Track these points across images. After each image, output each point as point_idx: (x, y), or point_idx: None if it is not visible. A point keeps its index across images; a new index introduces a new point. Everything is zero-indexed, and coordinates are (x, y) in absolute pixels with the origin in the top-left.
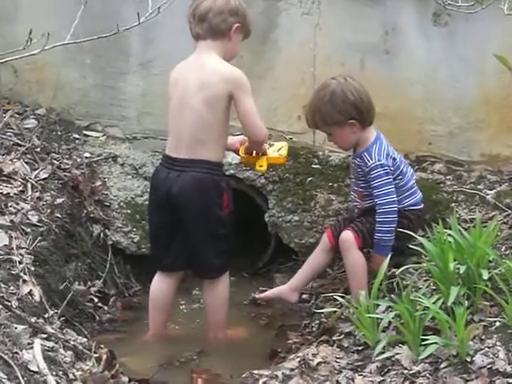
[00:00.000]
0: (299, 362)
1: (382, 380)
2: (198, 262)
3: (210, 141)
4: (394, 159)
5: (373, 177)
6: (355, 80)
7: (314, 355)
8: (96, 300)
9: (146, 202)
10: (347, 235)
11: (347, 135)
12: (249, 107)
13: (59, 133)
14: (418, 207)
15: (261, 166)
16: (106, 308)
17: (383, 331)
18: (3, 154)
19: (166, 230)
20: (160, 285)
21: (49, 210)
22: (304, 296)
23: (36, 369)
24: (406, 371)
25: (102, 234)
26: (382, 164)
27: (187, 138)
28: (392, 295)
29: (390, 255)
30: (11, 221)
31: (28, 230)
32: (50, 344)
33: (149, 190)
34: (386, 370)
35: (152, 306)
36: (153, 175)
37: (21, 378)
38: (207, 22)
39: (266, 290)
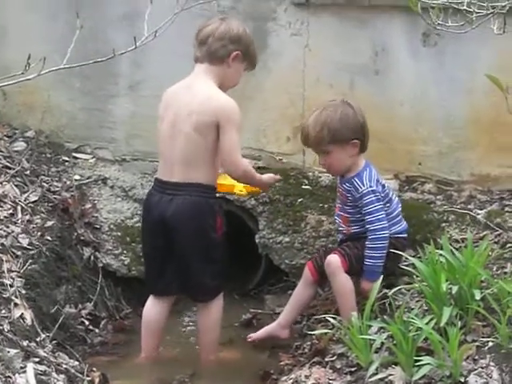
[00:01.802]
0: (292, 383)
1: None
2: (192, 285)
3: (203, 164)
4: (384, 186)
5: (365, 203)
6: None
7: (307, 377)
8: (87, 323)
9: (137, 225)
10: (334, 259)
11: (344, 157)
12: (233, 141)
13: (48, 155)
14: (404, 235)
15: (240, 191)
16: (97, 331)
17: (376, 352)
18: None
19: (160, 254)
20: (153, 308)
21: (39, 233)
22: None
23: None
24: None
25: (92, 257)
26: (373, 190)
27: (179, 161)
28: (384, 316)
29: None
30: (1, 244)
31: (19, 253)
32: (43, 368)
33: (141, 214)
34: None
35: (145, 330)
36: (145, 199)
37: None
38: (207, 45)
39: (256, 313)
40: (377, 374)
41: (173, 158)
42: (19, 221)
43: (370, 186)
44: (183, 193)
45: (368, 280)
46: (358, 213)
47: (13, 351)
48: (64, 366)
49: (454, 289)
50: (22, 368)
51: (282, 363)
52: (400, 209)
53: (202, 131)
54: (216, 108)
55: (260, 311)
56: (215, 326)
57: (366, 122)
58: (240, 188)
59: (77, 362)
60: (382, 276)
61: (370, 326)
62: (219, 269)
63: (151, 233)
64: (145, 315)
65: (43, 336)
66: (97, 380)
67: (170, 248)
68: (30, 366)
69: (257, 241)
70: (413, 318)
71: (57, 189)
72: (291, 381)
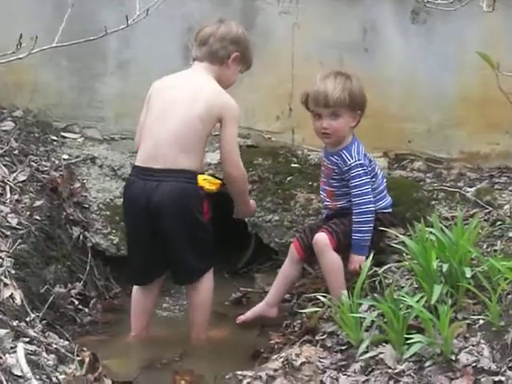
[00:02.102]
0: (282, 362)
1: (367, 379)
2: (179, 269)
3: (193, 150)
4: (370, 160)
5: (352, 175)
6: None
7: (298, 355)
8: (77, 302)
9: None
10: (321, 237)
11: (347, 124)
12: (234, 136)
13: (37, 135)
14: (389, 210)
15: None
16: (86, 310)
17: (366, 330)
18: None
19: (144, 241)
20: (140, 290)
21: (28, 213)
22: (286, 296)
23: (20, 373)
24: (390, 370)
25: (81, 236)
26: (361, 163)
27: (169, 145)
28: (375, 294)
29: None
30: None
31: (8, 232)
32: (33, 347)
33: (122, 204)
34: (370, 369)
35: (134, 309)
36: (125, 188)
37: (5, 382)
38: (207, 46)
39: (246, 291)
40: (367, 352)
41: (161, 143)
42: (8, 200)
43: (358, 159)
44: (169, 179)
45: (357, 254)
46: (344, 186)
47: (3, 331)
48: (54, 345)
49: (445, 267)
50: (12, 348)
51: (272, 342)
52: (385, 184)
53: (205, 119)
54: (224, 103)
55: (250, 290)
56: (205, 305)
57: None
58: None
59: (67, 342)
60: (370, 251)
61: (361, 304)
62: (207, 252)
63: (135, 220)
64: (133, 296)
65: (33, 316)
66: (87, 359)
67: (155, 236)
68: (21, 346)
69: (246, 219)
70: (403, 296)
71: (45, 168)
72: (281, 359)
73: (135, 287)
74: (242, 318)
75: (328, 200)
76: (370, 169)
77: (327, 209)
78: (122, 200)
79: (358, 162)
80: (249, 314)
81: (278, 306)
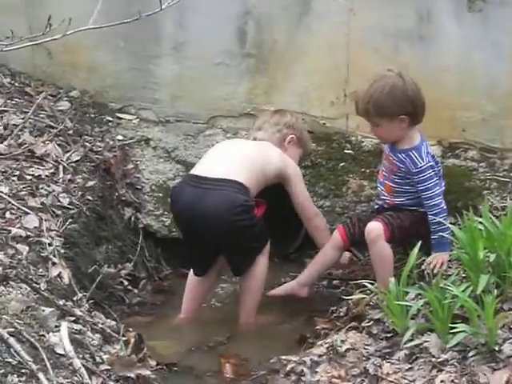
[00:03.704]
0: (327, 348)
1: (410, 367)
2: (235, 264)
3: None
4: (437, 162)
5: (423, 178)
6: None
7: (343, 341)
8: (126, 283)
9: None
10: (376, 226)
11: (394, 130)
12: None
13: (92, 115)
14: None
15: None
16: (135, 291)
17: (412, 318)
18: (36, 136)
19: (200, 242)
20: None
21: (80, 193)
22: (334, 282)
23: (62, 352)
24: (433, 359)
25: (133, 217)
26: (431, 165)
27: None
28: (422, 283)
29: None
30: (42, 203)
31: (59, 212)
32: (78, 327)
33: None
34: (414, 357)
35: (187, 293)
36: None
37: (46, 360)
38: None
39: (296, 276)
40: (412, 340)
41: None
42: (60, 180)
43: (429, 162)
44: (222, 188)
45: (441, 252)
46: (407, 184)
47: (47, 310)
48: (100, 325)
49: (492, 257)
50: (56, 327)
51: (318, 327)
52: (443, 187)
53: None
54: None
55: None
56: (257, 289)
57: (420, 96)
58: None
59: (113, 322)
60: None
61: (407, 293)
62: (260, 240)
63: (181, 222)
64: (190, 277)
65: (80, 295)
66: (132, 340)
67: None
68: (64, 325)
69: None
70: (449, 286)
71: (99, 149)
72: (327, 345)
73: (192, 271)
74: (272, 292)
75: (386, 194)
76: (437, 170)
77: (382, 202)
78: (174, 182)
79: (429, 164)
80: (278, 290)
81: (311, 287)
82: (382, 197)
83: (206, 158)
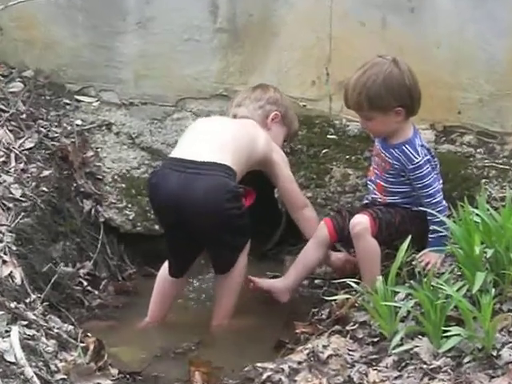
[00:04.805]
0: (308, 354)
1: (399, 375)
2: (218, 262)
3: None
4: (433, 156)
5: (422, 175)
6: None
7: (325, 347)
8: (85, 283)
9: (143, 175)
10: (363, 219)
11: (388, 123)
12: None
13: (48, 97)
14: None
15: None
16: (96, 292)
17: (401, 321)
18: None
19: (180, 233)
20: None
21: (34, 184)
22: (316, 281)
23: (13, 359)
24: (425, 366)
25: (93, 211)
26: (428, 159)
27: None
28: (412, 281)
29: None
30: None
31: (10, 205)
32: (31, 332)
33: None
34: (403, 364)
35: (156, 294)
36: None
37: None
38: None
39: (274, 276)
40: (401, 344)
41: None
42: (12, 169)
43: (425, 155)
44: (211, 172)
45: (436, 252)
46: (401, 183)
47: None
48: (56, 330)
49: (490, 252)
50: (6, 332)
51: (297, 332)
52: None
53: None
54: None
55: (278, 274)
56: (234, 289)
57: (417, 85)
58: None
59: (71, 327)
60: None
61: (396, 293)
62: (244, 235)
63: (165, 211)
64: (159, 278)
65: (34, 297)
66: (91, 346)
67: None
68: (15, 330)
69: (276, 195)
70: (442, 284)
71: (56, 135)
72: (307, 351)
73: (163, 270)
74: (253, 279)
75: (377, 193)
76: (434, 164)
77: (372, 199)
78: (139, 171)
79: (425, 159)
80: (261, 283)
81: (293, 292)
82: (373, 196)
83: (187, 138)
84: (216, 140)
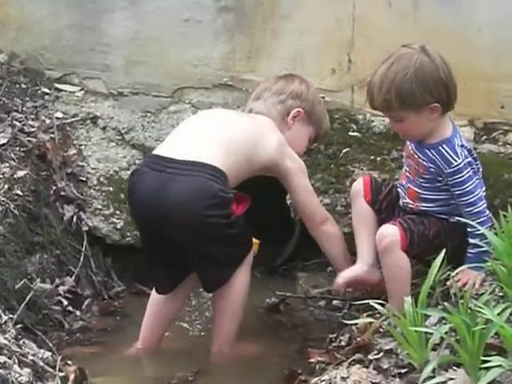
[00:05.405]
0: None
1: None
2: (204, 277)
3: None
4: (476, 159)
5: (462, 180)
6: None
7: (344, 379)
8: (65, 303)
9: None
10: (392, 230)
11: (423, 123)
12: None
13: (23, 86)
14: None
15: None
16: (78, 313)
17: (433, 349)
18: None
19: (162, 244)
20: (160, 295)
21: (6, 186)
22: (335, 302)
23: None
24: None
25: (75, 218)
26: (469, 162)
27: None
28: (446, 303)
29: None
30: None
31: None
32: (2, 359)
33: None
34: None
35: (147, 317)
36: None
37: None
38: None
39: (285, 296)
40: (433, 377)
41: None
42: None
43: (466, 157)
44: (192, 173)
45: (475, 270)
46: (437, 189)
47: None
48: (30, 357)
49: None
50: None
51: (312, 360)
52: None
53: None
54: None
55: (288, 294)
56: (234, 311)
57: (452, 76)
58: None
59: (48, 353)
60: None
61: (428, 316)
62: (235, 249)
63: (140, 216)
64: (152, 298)
65: (5, 318)
66: (71, 376)
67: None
68: None
69: (288, 202)
70: (481, 307)
71: (32, 129)
72: (323, 383)
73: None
74: (338, 281)
75: (409, 200)
76: (476, 168)
77: (404, 204)
78: (129, 173)
79: (466, 161)
80: (346, 276)
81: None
82: (404, 201)
83: (176, 133)
84: (209, 137)
